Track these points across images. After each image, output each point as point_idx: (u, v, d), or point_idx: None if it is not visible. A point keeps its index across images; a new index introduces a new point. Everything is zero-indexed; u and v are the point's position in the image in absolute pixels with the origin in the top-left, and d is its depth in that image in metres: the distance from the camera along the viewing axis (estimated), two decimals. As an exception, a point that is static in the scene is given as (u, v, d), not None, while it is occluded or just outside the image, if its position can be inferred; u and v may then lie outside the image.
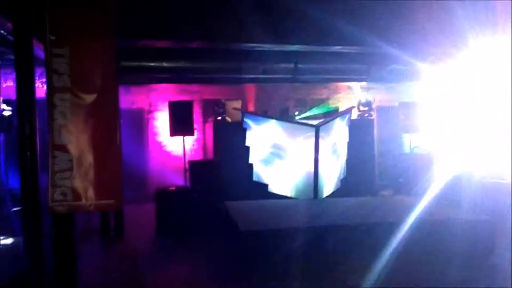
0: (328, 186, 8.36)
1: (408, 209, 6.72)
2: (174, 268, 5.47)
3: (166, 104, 10.38)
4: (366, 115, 9.09)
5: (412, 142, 9.64)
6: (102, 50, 3.53)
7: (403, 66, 6.89)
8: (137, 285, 4.91)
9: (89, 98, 3.52)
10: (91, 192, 3.50)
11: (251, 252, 5.38)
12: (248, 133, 8.21)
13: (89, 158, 3.51)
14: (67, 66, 3.44)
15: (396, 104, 9.56)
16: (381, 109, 10.97)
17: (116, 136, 3.59)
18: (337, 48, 6.13)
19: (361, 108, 9.12)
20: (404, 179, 8.51)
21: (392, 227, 5.86)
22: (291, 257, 5.30)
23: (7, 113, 7.81)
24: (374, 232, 5.74)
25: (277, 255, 5.29)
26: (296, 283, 4.82)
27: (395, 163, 9.22)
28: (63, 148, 3.47)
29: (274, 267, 5.08)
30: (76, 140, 3.49)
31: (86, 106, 3.51)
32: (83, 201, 3.50)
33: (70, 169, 3.48)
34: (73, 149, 3.49)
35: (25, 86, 3.57)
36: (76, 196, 3.49)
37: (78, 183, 3.48)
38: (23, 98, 3.57)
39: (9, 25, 4.89)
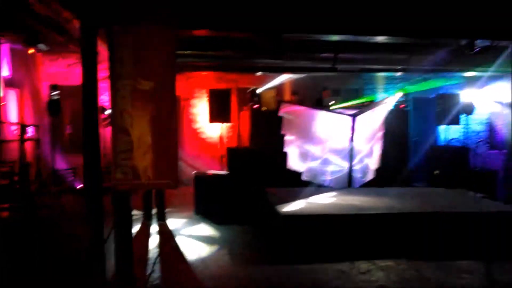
0: (363, 176, 8.43)
1: (440, 201, 6.79)
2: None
3: (202, 91, 10.66)
4: (402, 106, 9.06)
5: (448, 134, 9.58)
6: (163, 39, 3.73)
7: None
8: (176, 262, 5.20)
9: (149, 84, 3.73)
10: (149, 172, 3.73)
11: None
12: (283, 122, 8.34)
13: (148, 140, 3.73)
14: (130, 54, 3.66)
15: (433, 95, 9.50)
16: (417, 100, 10.88)
17: (173, 120, 3.80)
18: (377, 39, 6.13)
19: (397, 98, 9.07)
20: (440, 172, 8.48)
21: (422, 217, 5.93)
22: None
23: (55, 98, 8.20)
24: (415, 222, 5.83)
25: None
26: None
27: (430, 155, 9.18)
28: (125, 131, 3.71)
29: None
30: (136, 123, 3.72)
31: (146, 92, 3.73)
32: (142, 180, 3.74)
33: (131, 150, 3.71)
34: (133, 131, 3.72)
35: (90, 75, 3.80)
36: (136, 175, 3.72)
37: (137, 163, 3.71)
38: (88, 86, 3.80)
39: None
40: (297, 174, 8.24)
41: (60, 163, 8.77)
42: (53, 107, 8.09)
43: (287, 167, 8.26)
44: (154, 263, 5.12)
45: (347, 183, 8.19)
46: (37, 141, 8.20)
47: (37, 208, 6.57)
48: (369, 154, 8.49)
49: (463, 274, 4.78)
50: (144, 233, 6.43)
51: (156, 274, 4.79)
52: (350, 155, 8.16)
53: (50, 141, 9.22)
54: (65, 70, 10.17)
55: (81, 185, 8.22)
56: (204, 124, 10.63)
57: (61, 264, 4.79)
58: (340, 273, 4.78)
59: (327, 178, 8.28)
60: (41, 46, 6.86)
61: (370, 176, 8.55)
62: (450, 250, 5.43)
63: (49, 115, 8.49)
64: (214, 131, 10.69)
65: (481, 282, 4.58)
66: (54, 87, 8.12)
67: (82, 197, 7.15)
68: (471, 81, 10.04)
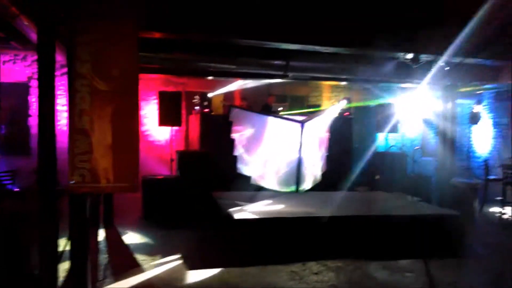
0: (309, 180, 8.71)
1: (382, 204, 7.20)
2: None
3: (150, 94, 10.49)
4: (346, 113, 9.48)
5: (388, 141, 10.15)
6: (125, 39, 3.67)
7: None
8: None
9: (110, 85, 3.65)
10: (108, 175, 3.64)
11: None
12: (233, 126, 8.41)
13: (107, 142, 3.65)
14: (90, 53, 3.57)
15: (373, 104, 10.03)
16: (358, 109, 11.39)
17: (134, 122, 3.75)
18: (328, 49, 6.41)
19: (342, 106, 9.47)
20: (381, 177, 8.97)
21: (366, 220, 6.26)
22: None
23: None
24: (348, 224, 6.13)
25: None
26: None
27: (371, 161, 9.66)
28: (83, 132, 3.60)
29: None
30: (96, 124, 3.62)
31: (106, 92, 3.64)
32: (101, 183, 3.64)
33: (90, 151, 3.61)
34: (93, 132, 3.62)
35: (47, 75, 3.66)
36: (95, 178, 3.62)
37: (96, 165, 3.61)
38: (45, 86, 3.66)
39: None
40: (247, 178, 8.34)
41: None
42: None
43: (237, 171, 8.34)
44: (105, 269, 4.98)
45: (295, 187, 8.42)
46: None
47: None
48: (316, 159, 8.79)
49: (406, 273, 5.12)
50: (92, 239, 6.19)
51: (108, 280, 4.67)
52: (298, 160, 8.40)
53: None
54: (1, 67, 9.56)
55: (18, 189, 7.76)
56: (152, 127, 10.47)
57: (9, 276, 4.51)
58: (293, 274, 4.93)
59: (275, 183, 8.45)
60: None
61: (316, 180, 8.85)
62: (392, 250, 5.78)
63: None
64: (162, 134, 10.55)
65: (422, 280, 4.92)
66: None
67: (23, 202, 6.77)
68: (408, 92, 10.71)
